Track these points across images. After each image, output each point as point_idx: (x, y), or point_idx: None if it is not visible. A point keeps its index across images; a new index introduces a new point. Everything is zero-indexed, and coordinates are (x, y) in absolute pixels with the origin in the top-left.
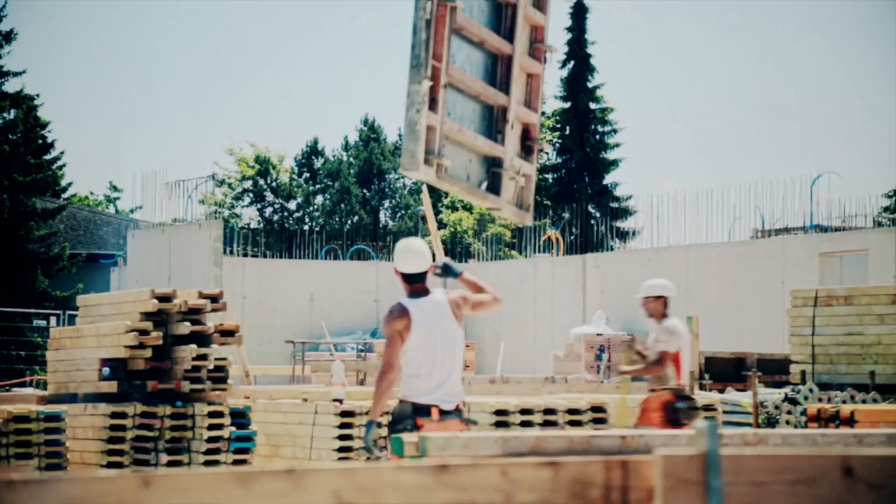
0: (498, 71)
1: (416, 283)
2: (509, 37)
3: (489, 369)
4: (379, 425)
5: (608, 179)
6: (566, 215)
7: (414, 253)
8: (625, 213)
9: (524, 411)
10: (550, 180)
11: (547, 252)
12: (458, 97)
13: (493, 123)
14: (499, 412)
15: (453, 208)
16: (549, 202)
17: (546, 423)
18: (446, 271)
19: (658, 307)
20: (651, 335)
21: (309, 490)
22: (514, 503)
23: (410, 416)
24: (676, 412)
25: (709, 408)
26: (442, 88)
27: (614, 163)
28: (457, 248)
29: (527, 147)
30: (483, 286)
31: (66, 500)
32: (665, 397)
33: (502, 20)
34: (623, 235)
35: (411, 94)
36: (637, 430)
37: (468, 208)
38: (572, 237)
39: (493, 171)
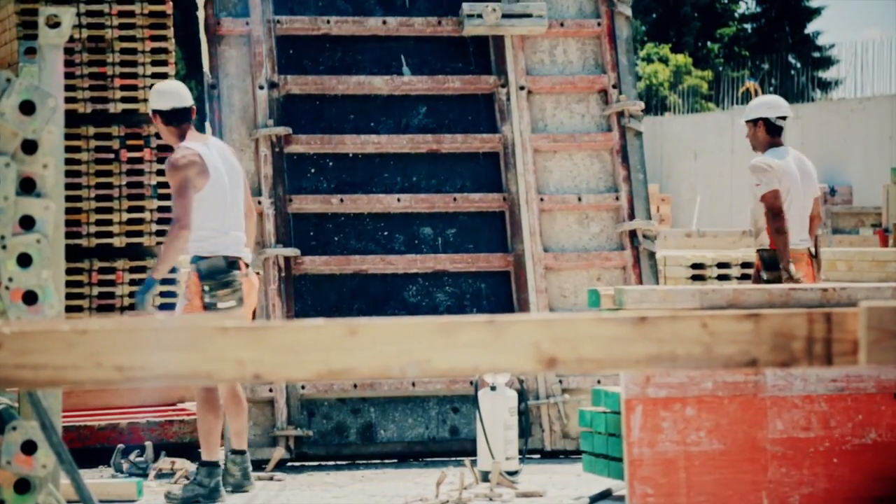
0: None
1: (184, 124)
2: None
3: (685, 223)
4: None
5: (809, 28)
6: (765, 66)
7: (173, 86)
8: (827, 62)
9: (721, 265)
10: (749, 30)
11: (745, 104)
12: None
13: None
14: (695, 266)
15: (648, 60)
16: (747, 53)
17: (743, 277)
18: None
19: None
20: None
21: (509, 340)
22: (714, 355)
23: (226, 269)
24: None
25: None
26: None
27: (817, 11)
28: (652, 100)
29: None
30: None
31: (277, 346)
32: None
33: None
34: (825, 86)
35: None
36: (838, 284)
37: (664, 60)
38: (771, 88)
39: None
